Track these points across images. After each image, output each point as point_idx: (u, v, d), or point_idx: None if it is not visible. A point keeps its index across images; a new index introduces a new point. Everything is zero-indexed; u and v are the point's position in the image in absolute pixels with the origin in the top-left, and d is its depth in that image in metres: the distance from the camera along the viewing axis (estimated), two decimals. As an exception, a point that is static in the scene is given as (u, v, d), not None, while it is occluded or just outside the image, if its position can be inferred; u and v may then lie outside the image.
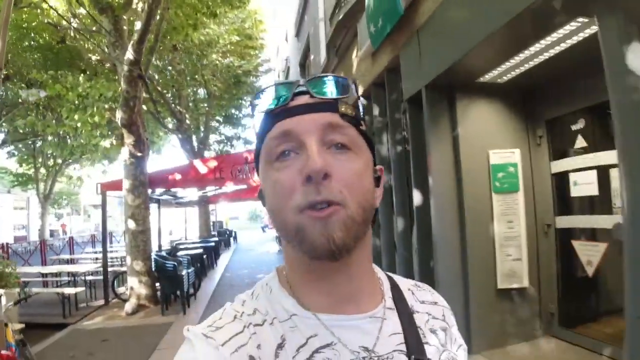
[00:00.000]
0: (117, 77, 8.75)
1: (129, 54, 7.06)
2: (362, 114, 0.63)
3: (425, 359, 0.59)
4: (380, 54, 5.56)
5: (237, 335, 0.55)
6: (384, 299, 0.64)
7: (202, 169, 9.44)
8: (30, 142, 19.07)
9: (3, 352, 3.22)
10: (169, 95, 16.68)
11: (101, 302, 7.82)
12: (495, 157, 4.06)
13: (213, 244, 14.04)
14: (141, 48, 7.14)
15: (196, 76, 16.83)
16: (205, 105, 18.93)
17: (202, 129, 19.35)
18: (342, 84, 0.60)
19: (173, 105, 16.59)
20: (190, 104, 18.41)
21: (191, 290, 7.89)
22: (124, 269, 8.57)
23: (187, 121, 17.55)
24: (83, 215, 49.24)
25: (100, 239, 9.94)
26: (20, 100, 12.65)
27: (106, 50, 8.65)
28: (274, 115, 0.59)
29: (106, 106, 7.81)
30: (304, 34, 13.43)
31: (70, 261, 11.03)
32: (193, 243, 14.05)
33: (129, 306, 7.05)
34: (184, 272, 7.15)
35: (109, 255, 9.69)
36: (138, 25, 7.26)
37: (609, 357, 3.32)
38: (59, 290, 7.09)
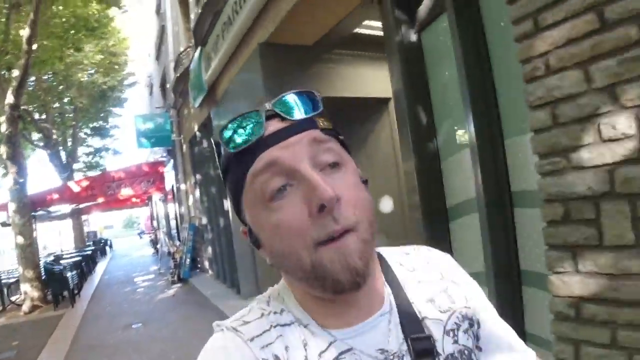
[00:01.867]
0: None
1: (10, 99, 8.50)
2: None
3: (422, 335, 0.57)
4: (201, 109, 8.10)
5: (265, 333, 0.53)
6: (386, 288, 0.61)
7: (76, 188, 11.12)
8: None
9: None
10: (34, 109, 16.72)
11: (-2, 308, 9.17)
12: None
13: (90, 252, 15.37)
14: (20, 92, 8.60)
15: (62, 95, 17.47)
16: (71, 115, 19.26)
17: (69, 141, 19.60)
18: (313, 99, 0.55)
19: (39, 121, 16.84)
20: (56, 117, 18.62)
21: (75, 290, 9.57)
22: (11, 280, 9.85)
23: (55, 136, 17.84)
24: None
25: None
26: None
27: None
28: (251, 151, 0.52)
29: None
30: (162, 61, 14.00)
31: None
32: (70, 254, 14.96)
33: (25, 307, 8.60)
34: (68, 274, 8.92)
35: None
36: (15, 72, 8.59)
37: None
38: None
